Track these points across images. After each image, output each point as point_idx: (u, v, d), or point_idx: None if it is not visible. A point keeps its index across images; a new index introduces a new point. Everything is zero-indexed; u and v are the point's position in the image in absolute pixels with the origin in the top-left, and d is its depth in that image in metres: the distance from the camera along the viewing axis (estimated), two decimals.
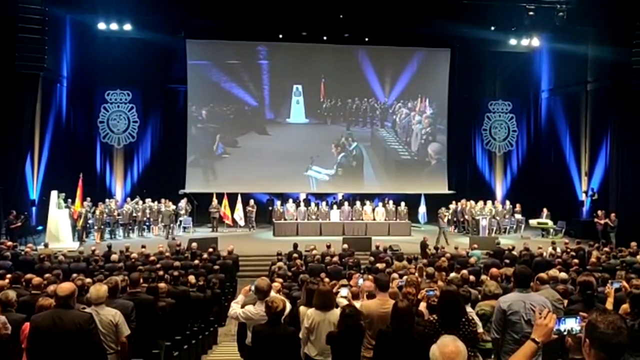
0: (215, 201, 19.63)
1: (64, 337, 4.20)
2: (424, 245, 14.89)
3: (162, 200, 19.11)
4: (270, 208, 20.69)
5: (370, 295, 5.67)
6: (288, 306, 5.38)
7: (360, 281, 7.58)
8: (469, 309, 5.78)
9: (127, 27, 18.68)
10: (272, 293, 5.57)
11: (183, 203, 19.50)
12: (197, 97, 21.34)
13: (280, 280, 8.96)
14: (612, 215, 17.37)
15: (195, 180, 21.24)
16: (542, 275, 6.40)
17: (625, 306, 5.15)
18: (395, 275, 8.57)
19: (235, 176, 20.67)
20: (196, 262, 12.12)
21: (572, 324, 2.50)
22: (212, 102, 21.47)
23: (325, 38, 21.02)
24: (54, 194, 16.39)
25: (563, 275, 7.77)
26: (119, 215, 18.34)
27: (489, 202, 20.28)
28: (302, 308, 5.68)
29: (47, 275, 8.45)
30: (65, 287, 4.46)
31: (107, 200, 18.78)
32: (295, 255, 12.61)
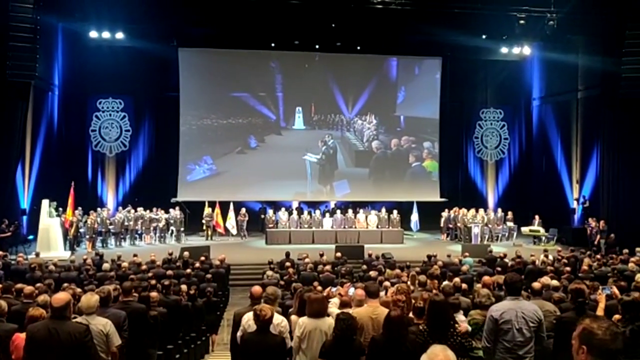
0: (209, 209, 19.60)
1: (59, 348, 4.14)
2: None
3: (154, 209, 19.08)
4: (262, 216, 20.67)
5: (359, 303, 5.64)
6: (276, 315, 5.32)
7: (352, 290, 7.55)
8: (461, 317, 5.79)
9: (119, 35, 18.72)
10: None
11: (175, 212, 19.43)
12: (189, 105, 21.40)
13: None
14: (602, 222, 17.52)
15: (188, 188, 21.24)
16: (536, 285, 6.39)
17: (617, 317, 5.15)
18: (387, 283, 8.57)
19: (236, 178, 21.64)
20: (188, 271, 12.05)
21: None
22: (205, 110, 21.61)
23: (317, 47, 21.44)
24: (45, 202, 16.33)
25: (554, 282, 7.81)
26: (110, 224, 18.25)
27: (481, 210, 20.36)
28: (293, 317, 5.65)
29: (38, 284, 8.37)
30: (61, 297, 4.33)
31: (99, 209, 18.67)
32: (287, 263, 12.55)
